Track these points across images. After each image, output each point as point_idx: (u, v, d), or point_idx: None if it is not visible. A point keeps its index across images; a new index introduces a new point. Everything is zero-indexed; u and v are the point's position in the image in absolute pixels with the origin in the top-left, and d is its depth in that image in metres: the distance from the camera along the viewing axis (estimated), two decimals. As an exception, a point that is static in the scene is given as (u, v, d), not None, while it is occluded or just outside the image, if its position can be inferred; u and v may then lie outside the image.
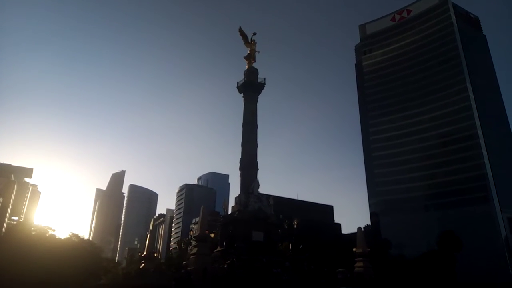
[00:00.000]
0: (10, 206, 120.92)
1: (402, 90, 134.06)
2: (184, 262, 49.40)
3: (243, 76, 57.47)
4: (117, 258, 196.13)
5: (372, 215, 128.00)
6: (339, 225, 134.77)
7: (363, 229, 52.24)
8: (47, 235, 63.57)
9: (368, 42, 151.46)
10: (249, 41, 58.80)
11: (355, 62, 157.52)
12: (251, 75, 56.80)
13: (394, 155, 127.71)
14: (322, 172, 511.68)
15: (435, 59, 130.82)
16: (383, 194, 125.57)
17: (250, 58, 58.39)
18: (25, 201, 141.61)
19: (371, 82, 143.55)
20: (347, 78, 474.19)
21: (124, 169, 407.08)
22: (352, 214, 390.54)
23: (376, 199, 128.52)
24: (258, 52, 59.21)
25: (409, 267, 66.31)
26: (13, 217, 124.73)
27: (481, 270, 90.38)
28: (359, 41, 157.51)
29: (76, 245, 60.29)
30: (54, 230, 67.23)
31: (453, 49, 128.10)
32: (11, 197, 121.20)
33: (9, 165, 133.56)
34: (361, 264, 46.11)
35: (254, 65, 58.25)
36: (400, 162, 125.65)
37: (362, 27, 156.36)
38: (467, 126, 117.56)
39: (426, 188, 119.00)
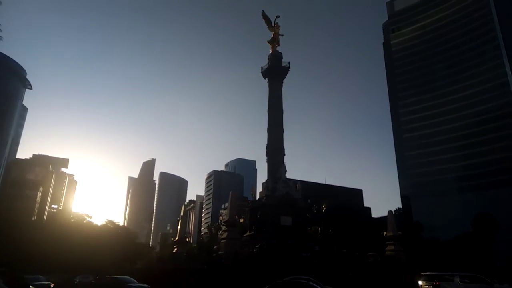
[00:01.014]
0: (50, 195, 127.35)
1: (434, 68, 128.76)
2: (215, 246, 50.50)
3: (267, 61, 56.99)
4: (151, 243, 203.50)
5: (403, 198, 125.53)
6: (369, 209, 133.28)
7: (393, 213, 51.38)
8: (84, 221, 67.10)
9: (397, 19, 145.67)
10: (273, 25, 57.99)
11: (383, 41, 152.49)
12: (275, 59, 56.20)
13: (426, 136, 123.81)
14: (350, 156, 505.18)
15: (469, 34, 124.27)
16: (415, 176, 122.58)
17: (274, 42, 57.69)
18: (63, 190, 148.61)
19: (400, 61, 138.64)
20: (375, 58, 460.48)
21: (154, 157, 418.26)
22: (382, 198, 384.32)
23: (407, 181, 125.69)
24: (282, 35, 58.41)
25: (442, 250, 64.82)
26: (53, 205, 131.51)
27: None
28: (387, 18, 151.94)
29: (112, 231, 63.29)
30: (91, 217, 70.89)
31: (488, 22, 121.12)
32: (50, 187, 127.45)
33: (46, 156, 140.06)
34: (392, 247, 45.70)
35: (278, 48, 57.54)
36: (432, 143, 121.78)
37: (390, 4, 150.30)
38: (504, 103, 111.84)
39: (460, 170, 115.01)
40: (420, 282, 27.46)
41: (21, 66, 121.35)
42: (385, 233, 47.92)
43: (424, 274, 28.27)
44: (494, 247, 72.14)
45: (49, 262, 45.28)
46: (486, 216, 73.91)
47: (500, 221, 73.80)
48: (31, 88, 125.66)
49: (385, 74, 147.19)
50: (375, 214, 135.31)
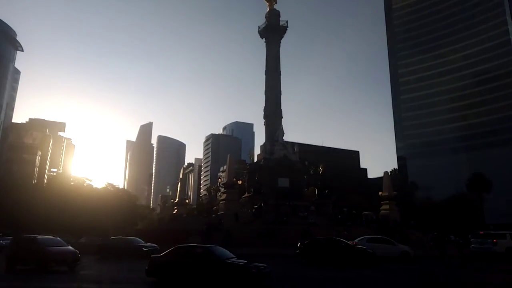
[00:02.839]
0: (49, 159, 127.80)
1: (435, 27, 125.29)
2: (214, 207, 51.65)
3: (264, 20, 55.32)
4: (151, 205, 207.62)
5: (400, 159, 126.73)
6: (365, 170, 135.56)
7: (389, 173, 52.16)
8: (85, 185, 67.77)
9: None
10: (270, -19, 55.75)
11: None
12: (273, 18, 54.64)
13: (424, 97, 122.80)
14: (347, 117, 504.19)
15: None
16: (412, 137, 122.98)
17: (271, -1, 55.75)
18: (61, 154, 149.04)
19: (401, 20, 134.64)
20: (375, 16, 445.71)
21: (151, 121, 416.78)
22: (379, 159, 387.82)
23: (404, 142, 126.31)
24: (280, -8, 56.28)
25: (436, 209, 66.55)
26: (52, 169, 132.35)
27: None
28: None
29: (112, 193, 64.09)
30: (90, 180, 71.47)
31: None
32: (48, 150, 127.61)
33: (43, 120, 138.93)
34: (387, 207, 46.91)
35: (276, 6, 55.73)
36: (430, 104, 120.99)
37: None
38: (505, 63, 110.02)
39: (456, 130, 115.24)
40: (474, 239, 28.69)
41: (10, 27, 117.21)
42: (380, 193, 48.92)
43: (478, 233, 29.68)
44: (486, 206, 74.05)
45: (51, 224, 46.21)
46: (480, 176, 75.12)
47: (493, 181, 75.14)
48: (22, 50, 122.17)
49: (385, 34, 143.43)
50: (371, 175, 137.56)
